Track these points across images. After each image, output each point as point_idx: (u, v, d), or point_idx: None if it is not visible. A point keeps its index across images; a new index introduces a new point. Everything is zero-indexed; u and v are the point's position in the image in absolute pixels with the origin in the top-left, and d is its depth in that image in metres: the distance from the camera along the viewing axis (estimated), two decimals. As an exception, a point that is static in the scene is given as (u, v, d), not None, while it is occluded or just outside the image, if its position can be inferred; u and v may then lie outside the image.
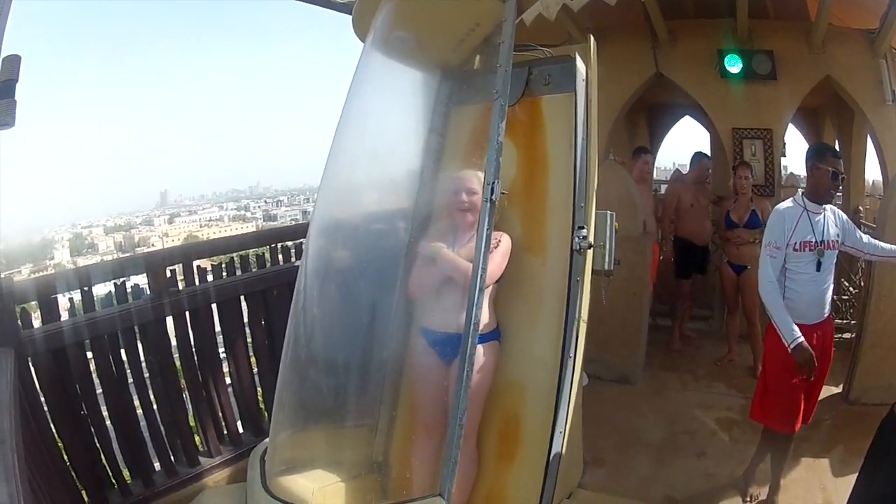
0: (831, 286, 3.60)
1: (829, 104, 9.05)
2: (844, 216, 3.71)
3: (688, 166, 6.74)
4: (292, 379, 2.99)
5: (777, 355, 3.54)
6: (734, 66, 6.69)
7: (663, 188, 8.74)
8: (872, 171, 8.29)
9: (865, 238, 3.71)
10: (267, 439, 3.00)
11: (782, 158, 7.20)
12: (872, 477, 2.58)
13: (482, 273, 2.44)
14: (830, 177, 3.49)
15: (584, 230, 2.85)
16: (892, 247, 3.72)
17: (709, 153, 7.25)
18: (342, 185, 3.19)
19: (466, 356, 2.42)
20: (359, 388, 3.13)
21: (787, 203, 3.64)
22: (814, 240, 3.50)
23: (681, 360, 6.18)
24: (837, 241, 3.59)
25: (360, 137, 3.10)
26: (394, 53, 3.17)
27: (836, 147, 9.68)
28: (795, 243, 3.50)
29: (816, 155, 3.57)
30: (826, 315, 3.60)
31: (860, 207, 8.50)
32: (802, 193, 3.64)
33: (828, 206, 3.63)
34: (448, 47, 3.25)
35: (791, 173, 9.86)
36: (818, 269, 3.51)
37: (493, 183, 2.49)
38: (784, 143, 7.20)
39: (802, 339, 3.34)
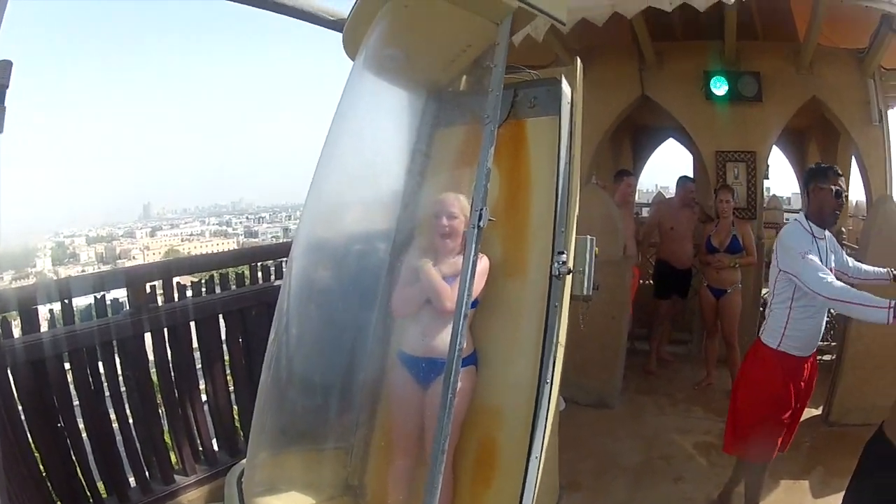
0: None
1: (813, 125, 9.15)
2: (833, 238, 3.61)
3: (671, 188, 6.78)
4: (271, 400, 2.98)
5: (751, 384, 3.53)
6: (719, 88, 6.73)
7: (645, 211, 8.79)
8: (856, 192, 8.33)
9: (851, 261, 3.63)
10: (244, 460, 2.99)
11: (765, 181, 7.25)
12: (859, 496, 2.59)
13: (467, 299, 2.44)
14: (834, 195, 3.36)
15: (564, 255, 2.84)
16: (874, 269, 3.61)
17: (692, 176, 7.29)
18: (326, 203, 3.18)
19: (451, 382, 2.40)
20: (336, 410, 3.12)
21: (795, 226, 3.48)
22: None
23: (658, 384, 6.19)
24: (835, 267, 3.47)
25: (347, 156, 3.09)
26: (383, 71, 3.16)
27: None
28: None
29: (818, 175, 3.44)
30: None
31: (843, 228, 8.58)
32: (806, 216, 3.48)
33: (826, 232, 3.51)
34: (438, 67, 3.26)
35: (773, 195, 9.93)
36: None
37: (481, 209, 2.46)
38: (767, 165, 7.24)
39: None
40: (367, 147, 3.26)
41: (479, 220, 2.46)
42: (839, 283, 3.15)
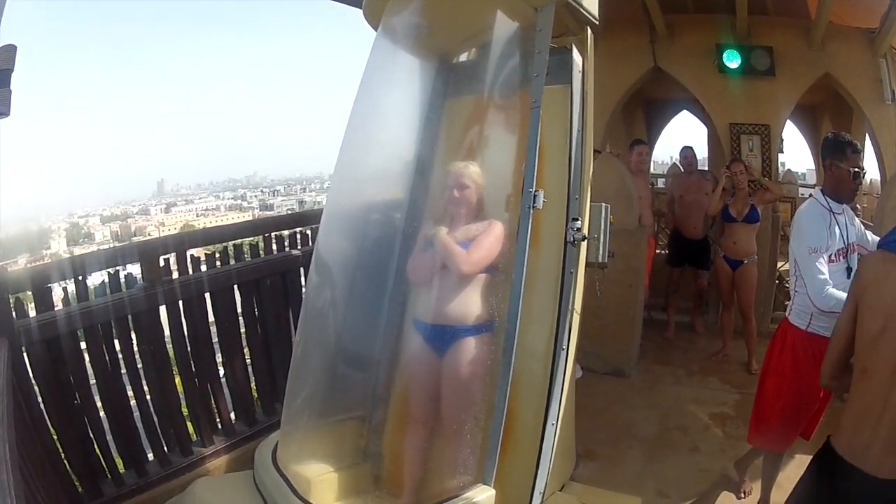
0: None
1: (827, 101, 9.09)
2: (851, 212, 3.40)
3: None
4: (301, 372, 3.10)
5: (780, 369, 3.37)
6: (732, 61, 6.68)
7: (660, 182, 8.79)
8: (870, 170, 8.28)
9: (870, 235, 3.39)
10: (275, 432, 3.06)
11: (780, 154, 7.20)
12: None
13: (520, 285, 2.63)
14: (851, 177, 3.18)
15: (579, 222, 2.84)
16: None
17: (706, 148, 7.29)
18: (351, 173, 3.27)
19: (513, 350, 2.63)
20: (355, 380, 3.15)
21: (811, 206, 3.30)
22: (843, 245, 3.19)
23: (675, 355, 6.18)
24: (856, 241, 3.27)
25: (369, 126, 3.20)
26: (403, 40, 3.19)
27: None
28: (832, 254, 3.15)
29: (835, 151, 3.22)
30: None
31: (857, 206, 8.54)
32: (822, 192, 3.30)
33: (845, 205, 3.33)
34: (456, 40, 3.26)
35: (788, 170, 9.87)
36: (849, 276, 3.12)
37: (534, 191, 2.63)
38: (782, 140, 7.20)
39: None
40: (387, 116, 3.30)
41: (533, 201, 2.62)
42: (837, 296, 2.98)
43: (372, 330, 3.19)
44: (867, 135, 7.21)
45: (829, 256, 3.13)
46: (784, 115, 7.03)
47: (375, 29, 3.12)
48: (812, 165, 11.47)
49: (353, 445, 3.20)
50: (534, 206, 2.64)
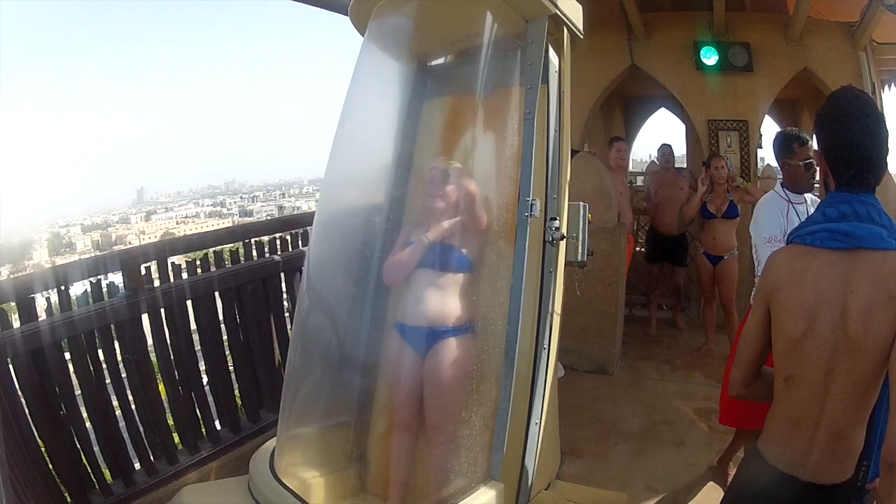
0: None
1: (806, 96, 9.17)
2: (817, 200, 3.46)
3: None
4: (294, 379, 3.11)
5: None
6: (710, 58, 6.76)
7: (639, 180, 8.87)
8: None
9: None
10: (271, 440, 3.08)
11: (759, 150, 7.26)
12: None
13: (521, 279, 2.71)
14: (804, 169, 3.35)
15: (557, 221, 2.85)
16: None
17: (685, 145, 7.34)
18: (337, 178, 3.28)
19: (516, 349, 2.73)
20: (340, 384, 3.16)
21: (770, 197, 3.49)
22: None
23: (658, 350, 6.25)
24: None
25: (356, 129, 3.21)
26: (392, 44, 3.23)
27: (813, 138, 9.81)
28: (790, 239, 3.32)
29: (783, 150, 3.43)
30: None
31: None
32: (782, 184, 3.48)
33: (806, 195, 3.48)
34: (439, 44, 3.28)
35: (768, 164, 9.93)
36: None
37: (531, 200, 2.69)
38: (760, 135, 7.26)
39: None
40: (372, 118, 3.34)
41: (530, 209, 2.68)
42: None
43: (357, 333, 3.20)
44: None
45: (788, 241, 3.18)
46: (762, 110, 7.11)
47: (362, 33, 3.14)
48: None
49: (342, 450, 3.21)
50: (531, 215, 2.70)
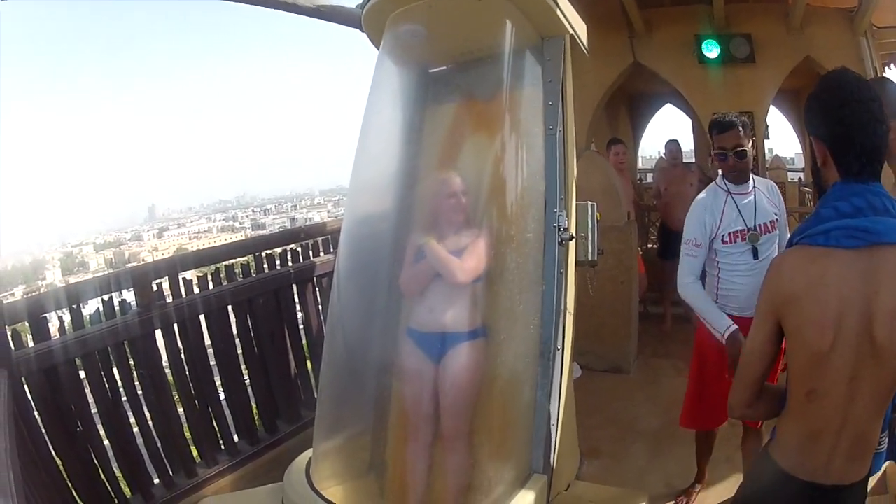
0: None
1: (810, 85, 9.04)
2: (775, 187, 3.31)
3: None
4: (325, 389, 3.20)
5: (694, 349, 3.55)
6: (711, 51, 6.76)
7: (649, 177, 8.85)
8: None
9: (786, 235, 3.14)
10: (308, 451, 3.06)
11: (766, 141, 7.25)
12: None
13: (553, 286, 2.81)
14: (719, 159, 3.17)
15: (566, 221, 2.86)
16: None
17: (692, 139, 7.32)
18: (356, 188, 3.38)
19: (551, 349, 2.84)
20: (359, 392, 3.17)
21: (706, 192, 3.28)
22: (743, 227, 3.11)
23: (674, 348, 6.16)
24: (776, 220, 3.15)
25: (378, 138, 3.30)
26: (408, 54, 3.26)
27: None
28: (723, 235, 3.15)
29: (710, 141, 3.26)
30: None
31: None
32: (722, 176, 3.25)
33: (760, 182, 3.25)
34: (449, 54, 3.30)
35: (776, 155, 9.91)
36: (755, 257, 3.12)
37: (558, 212, 2.80)
38: (766, 126, 7.24)
39: (735, 327, 2.97)
40: (386, 128, 3.36)
41: (556, 220, 2.79)
42: (693, 290, 3.25)
43: (377, 340, 3.21)
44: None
45: (723, 237, 3.15)
46: (767, 101, 7.10)
47: (376, 45, 3.17)
48: (800, 149, 11.52)
49: (364, 458, 3.22)
50: (559, 226, 2.80)
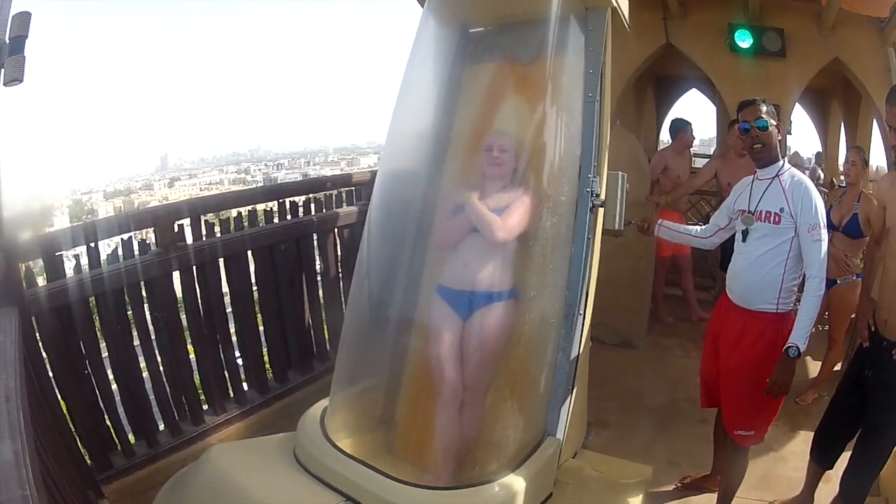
0: (771, 271, 2.96)
1: (836, 86, 9.15)
2: (807, 189, 2.92)
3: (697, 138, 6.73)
4: (346, 340, 3.19)
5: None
6: (744, 41, 6.70)
7: (698, 162, 8.79)
8: (876, 157, 8.27)
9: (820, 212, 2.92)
10: (323, 399, 3.09)
11: (788, 136, 7.22)
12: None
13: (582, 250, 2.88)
14: (742, 130, 3.10)
15: (598, 188, 2.86)
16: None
17: (715, 126, 7.27)
18: (393, 141, 3.39)
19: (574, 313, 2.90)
20: (376, 346, 3.17)
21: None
22: (745, 207, 3.07)
23: (683, 328, 6.23)
24: (780, 214, 2.93)
25: (411, 94, 3.30)
26: (451, 11, 3.30)
27: (842, 128, 9.81)
28: (734, 211, 3.19)
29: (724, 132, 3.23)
30: (759, 308, 3.01)
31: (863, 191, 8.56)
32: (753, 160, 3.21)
33: (790, 177, 2.99)
34: (498, 14, 3.29)
35: (795, 152, 9.86)
36: (743, 238, 3.07)
37: (593, 178, 2.87)
38: (790, 122, 7.21)
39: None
40: (427, 86, 3.38)
41: (590, 185, 2.86)
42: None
43: (402, 295, 3.23)
44: (874, 121, 7.24)
45: (732, 213, 3.24)
46: (794, 96, 7.08)
47: (421, 3, 3.19)
48: (820, 149, 11.47)
49: (377, 413, 3.25)
50: (592, 191, 2.87)
